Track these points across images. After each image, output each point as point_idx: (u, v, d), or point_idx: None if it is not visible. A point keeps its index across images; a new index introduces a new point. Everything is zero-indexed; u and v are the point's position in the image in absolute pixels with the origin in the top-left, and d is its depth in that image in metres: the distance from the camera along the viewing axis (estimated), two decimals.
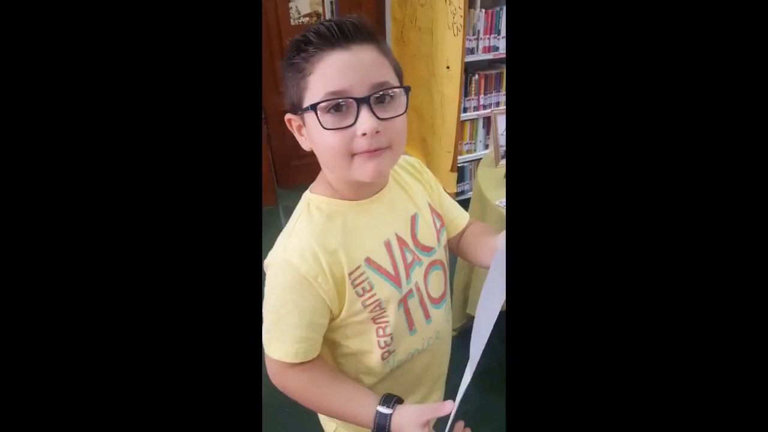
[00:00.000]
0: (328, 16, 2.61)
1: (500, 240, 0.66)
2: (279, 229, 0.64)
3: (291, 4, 2.52)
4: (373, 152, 0.55)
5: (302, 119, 0.58)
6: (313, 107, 0.53)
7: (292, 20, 2.56)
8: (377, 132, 0.54)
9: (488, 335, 0.52)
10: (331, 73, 0.53)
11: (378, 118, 0.53)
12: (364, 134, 0.53)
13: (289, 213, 0.66)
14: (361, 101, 0.53)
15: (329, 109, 0.53)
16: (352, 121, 0.53)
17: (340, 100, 0.53)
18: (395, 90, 0.56)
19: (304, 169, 2.81)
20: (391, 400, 0.58)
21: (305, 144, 0.60)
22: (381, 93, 0.54)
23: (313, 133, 0.56)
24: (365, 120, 0.53)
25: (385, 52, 0.57)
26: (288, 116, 0.60)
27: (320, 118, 0.53)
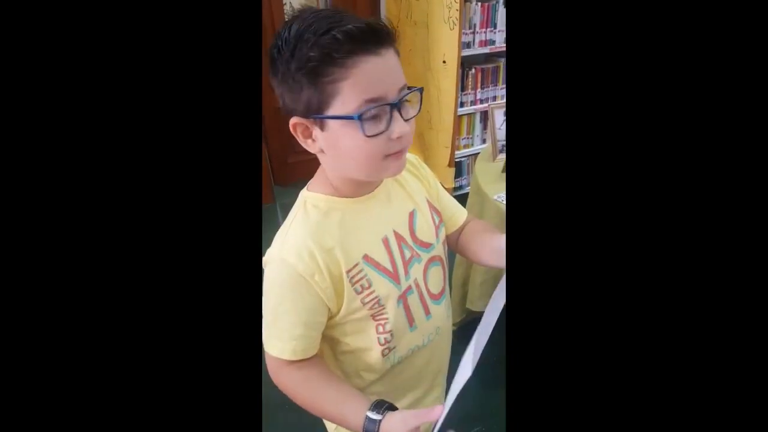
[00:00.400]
0: None
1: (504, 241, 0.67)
2: (277, 226, 0.64)
3: (285, 1, 2.51)
4: (401, 152, 0.58)
5: (320, 124, 0.56)
6: (359, 117, 0.52)
7: (286, 17, 2.55)
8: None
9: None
10: (368, 80, 0.52)
11: (404, 120, 0.55)
12: (400, 137, 0.55)
13: (286, 210, 0.66)
14: (393, 106, 0.54)
15: (370, 117, 0.53)
16: (386, 126, 0.54)
17: (379, 108, 0.53)
18: (413, 92, 0.57)
19: (301, 165, 2.81)
20: (382, 406, 0.57)
21: (313, 147, 0.59)
22: (406, 96, 0.55)
23: (343, 140, 0.55)
24: (400, 124, 0.55)
25: (397, 52, 0.57)
26: (296, 120, 0.56)
27: (364, 127, 0.53)
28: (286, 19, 0.56)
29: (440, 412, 0.52)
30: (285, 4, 2.51)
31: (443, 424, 0.53)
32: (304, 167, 0.78)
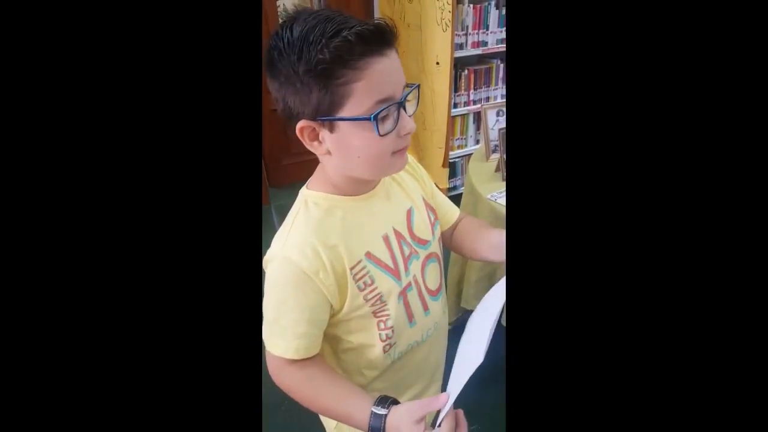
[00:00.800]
0: None
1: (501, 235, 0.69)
2: (271, 228, 0.65)
3: (279, 2, 2.51)
4: (405, 148, 0.60)
5: (329, 126, 0.55)
6: (375, 117, 0.53)
7: (280, 19, 2.55)
8: None
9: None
10: (380, 81, 0.53)
11: (409, 116, 0.57)
12: (407, 134, 0.57)
13: (281, 212, 0.66)
14: (400, 104, 0.55)
15: (383, 117, 0.54)
16: (394, 124, 0.56)
17: (391, 106, 0.54)
18: (413, 89, 0.59)
19: (295, 167, 2.80)
20: (387, 401, 0.57)
21: (319, 149, 0.59)
22: (408, 94, 0.56)
23: (355, 140, 0.56)
24: (408, 121, 0.57)
25: (397, 51, 0.58)
26: (304, 123, 0.56)
27: (379, 127, 0.54)
28: (281, 21, 0.55)
29: (445, 400, 0.53)
30: (279, 6, 2.52)
31: (448, 413, 0.53)
32: (299, 169, 0.79)
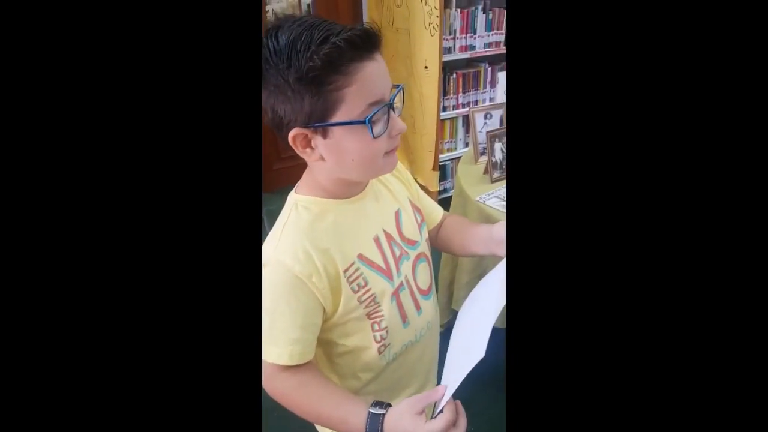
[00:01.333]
0: None
1: (498, 230, 0.70)
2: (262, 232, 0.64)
3: (267, 8, 2.51)
4: (396, 148, 0.61)
5: (322, 132, 0.56)
6: (369, 121, 0.54)
7: (269, 25, 2.55)
8: None
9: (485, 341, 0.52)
10: (370, 84, 0.54)
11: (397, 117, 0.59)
12: (398, 134, 0.59)
13: (271, 217, 0.66)
14: (389, 106, 0.57)
15: (377, 119, 0.55)
16: (386, 125, 0.57)
17: (382, 108, 0.55)
18: (399, 91, 0.60)
19: (286, 172, 2.79)
20: (383, 404, 0.57)
21: (312, 156, 0.59)
22: (396, 95, 0.58)
23: (349, 144, 0.56)
24: (397, 121, 0.58)
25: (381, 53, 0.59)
26: (296, 131, 0.56)
27: (373, 130, 0.55)
28: (267, 28, 0.55)
29: (443, 391, 0.53)
30: (267, 12, 2.52)
31: (448, 402, 0.53)
32: (290, 173, 0.79)
